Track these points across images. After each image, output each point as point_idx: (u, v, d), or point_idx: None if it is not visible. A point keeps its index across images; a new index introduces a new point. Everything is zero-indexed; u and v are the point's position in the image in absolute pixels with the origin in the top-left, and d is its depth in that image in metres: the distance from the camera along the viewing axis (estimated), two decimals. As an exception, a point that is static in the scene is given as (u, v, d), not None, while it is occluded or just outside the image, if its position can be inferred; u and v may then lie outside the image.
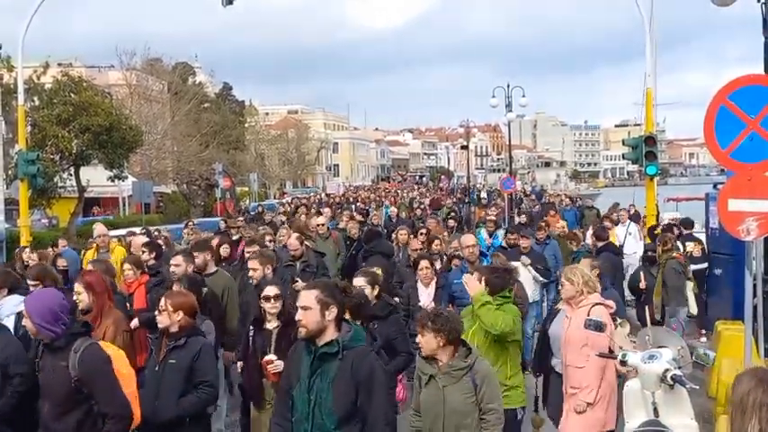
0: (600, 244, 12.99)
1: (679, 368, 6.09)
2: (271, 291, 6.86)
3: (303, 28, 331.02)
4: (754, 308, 7.56)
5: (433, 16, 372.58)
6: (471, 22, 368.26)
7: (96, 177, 30.36)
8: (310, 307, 4.63)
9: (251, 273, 8.60)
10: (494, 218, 17.91)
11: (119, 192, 36.21)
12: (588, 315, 6.38)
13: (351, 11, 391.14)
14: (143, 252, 9.46)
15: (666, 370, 5.99)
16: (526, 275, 11.37)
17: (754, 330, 7.70)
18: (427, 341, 5.25)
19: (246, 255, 10.57)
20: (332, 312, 4.64)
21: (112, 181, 30.23)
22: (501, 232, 15.62)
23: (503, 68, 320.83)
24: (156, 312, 6.03)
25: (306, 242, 11.07)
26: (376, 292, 7.11)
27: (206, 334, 6.43)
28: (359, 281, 7.15)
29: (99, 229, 13.49)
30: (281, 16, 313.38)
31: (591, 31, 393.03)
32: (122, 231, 19.46)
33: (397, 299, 8.84)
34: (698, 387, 6.93)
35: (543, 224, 14.86)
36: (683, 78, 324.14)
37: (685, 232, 14.82)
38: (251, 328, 6.95)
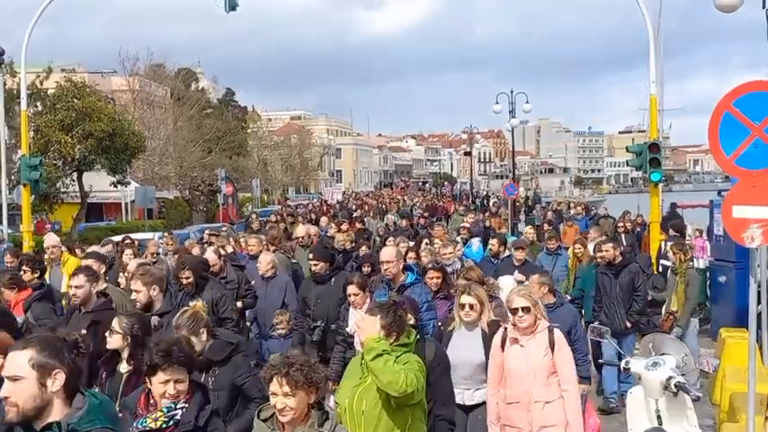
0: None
1: (683, 375, 6.05)
2: (116, 324, 5.51)
3: (307, 34, 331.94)
4: (759, 315, 7.51)
5: (437, 23, 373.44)
6: (475, 28, 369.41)
7: (99, 183, 30.40)
8: (22, 377, 3.20)
9: (134, 295, 7.03)
10: (467, 225, 17.08)
11: (121, 197, 36.24)
12: (550, 340, 5.93)
13: (355, 18, 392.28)
14: (24, 272, 8.64)
15: (670, 377, 5.95)
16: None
17: (758, 338, 7.65)
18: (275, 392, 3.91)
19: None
20: (57, 380, 3.23)
21: (115, 186, 30.30)
22: (476, 241, 15.28)
23: (506, 74, 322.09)
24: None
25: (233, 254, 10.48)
26: (204, 335, 5.59)
27: None
28: (181, 320, 5.63)
29: (49, 239, 11.87)
30: (284, 23, 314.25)
31: (595, 38, 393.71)
32: (141, 236, 19.35)
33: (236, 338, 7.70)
34: (701, 395, 6.88)
35: (556, 234, 14.20)
36: (688, 85, 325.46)
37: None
38: (102, 370, 5.60)
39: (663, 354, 6.31)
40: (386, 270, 7.88)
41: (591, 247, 13.27)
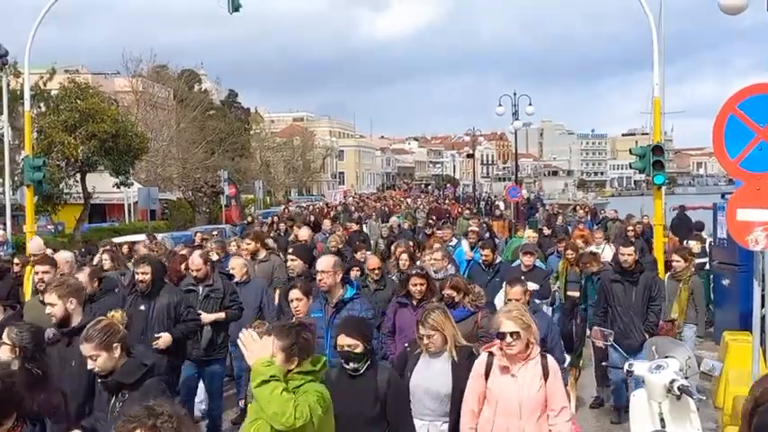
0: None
1: (686, 379, 6.03)
2: (6, 334, 5.08)
3: (310, 36, 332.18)
4: (762, 318, 7.50)
5: (440, 27, 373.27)
6: (479, 31, 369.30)
7: (102, 184, 30.43)
8: None
9: (48, 309, 6.29)
10: (476, 229, 16.22)
11: (124, 198, 36.26)
12: (544, 367, 5.25)
13: (358, 21, 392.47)
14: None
15: (673, 380, 5.94)
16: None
17: (761, 341, 7.63)
18: None
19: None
20: None
21: (118, 188, 30.32)
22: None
23: (509, 77, 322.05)
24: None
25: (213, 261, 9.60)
26: (118, 350, 4.86)
27: None
28: (92, 332, 4.86)
29: (34, 244, 11.15)
30: (288, 25, 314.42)
31: (599, 41, 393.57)
32: (131, 237, 19.40)
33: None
34: (705, 398, 6.87)
35: (566, 237, 13.93)
36: (692, 88, 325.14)
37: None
38: None
39: (666, 357, 6.29)
40: (320, 281, 6.96)
41: (592, 249, 13.18)
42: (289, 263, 9.18)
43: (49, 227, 30.21)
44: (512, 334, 5.18)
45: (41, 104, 27.81)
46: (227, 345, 8.87)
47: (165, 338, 7.69)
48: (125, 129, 27.71)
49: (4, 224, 22.30)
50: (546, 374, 5.24)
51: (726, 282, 13.17)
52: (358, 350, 5.05)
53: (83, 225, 29.28)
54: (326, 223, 19.71)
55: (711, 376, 8.53)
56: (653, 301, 9.13)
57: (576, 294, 11.99)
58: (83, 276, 8.07)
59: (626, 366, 6.56)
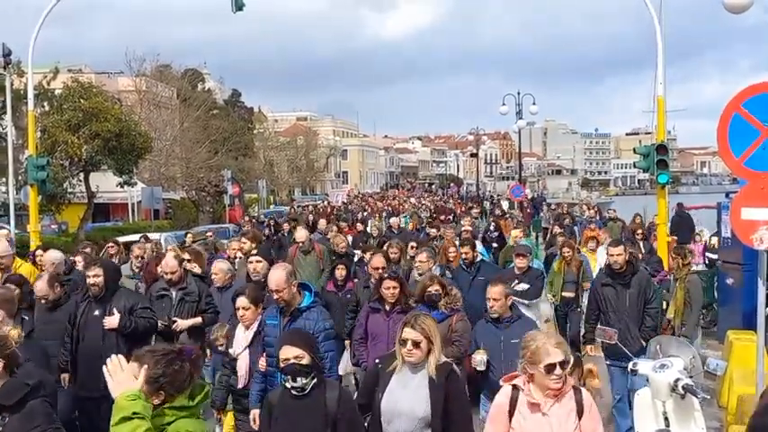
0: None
1: (690, 378, 6.01)
2: None
3: (313, 36, 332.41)
4: (767, 317, 7.46)
5: (442, 26, 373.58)
6: (482, 31, 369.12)
7: (106, 183, 30.46)
8: None
9: None
10: (469, 228, 15.82)
11: (128, 198, 36.30)
12: (578, 405, 4.46)
13: (361, 20, 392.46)
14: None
15: (677, 379, 5.92)
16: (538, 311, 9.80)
17: (766, 340, 7.60)
18: None
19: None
20: None
21: (122, 187, 30.33)
22: (477, 244, 13.87)
23: (513, 76, 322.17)
24: None
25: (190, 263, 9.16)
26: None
27: None
28: None
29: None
30: (291, 24, 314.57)
31: (602, 40, 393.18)
32: (134, 237, 19.34)
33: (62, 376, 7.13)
34: (709, 397, 6.85)
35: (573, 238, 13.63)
36: (695, 88, 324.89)
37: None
38: None
39: (670, 356, 6.28)
40: (277, 299, 6.31)
41: (601, 250, 12.95)
42: (253, 264, 8.81)
43: (52, 226, 30.28)
44: (561, 364, 4.35)
45: (45, 104, 27.81)
46: (204, 350, 8.44)
47: (110, 321, 7.28)
48: (128, 128, 27.69)
49: (8, 223, 22.34)
50: (581, 411, 4.44)
51: (730, 281, 13.14)
52: (304, 361, 4.50)
53: (86, 224, 29.29)
54: (322, 223, 19.54)
55: (715, 375, 8.52)
56: (649, 304, 8.38)
57: (572, 295, 11.86)
58: (41, 283, 7.81)
59: (630, 365, 6.55)
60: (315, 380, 4.53)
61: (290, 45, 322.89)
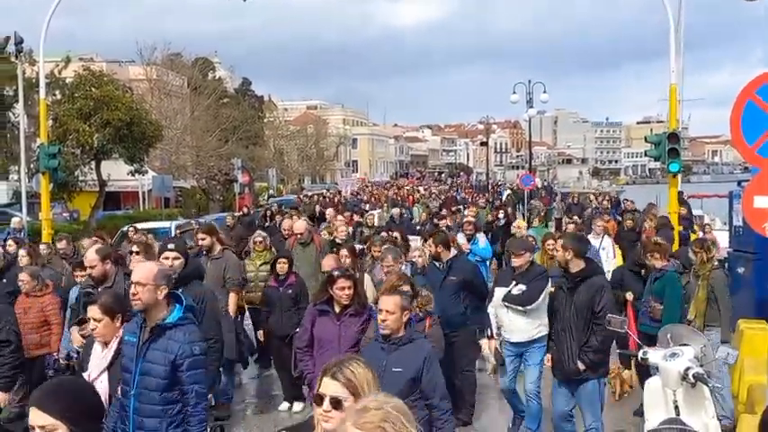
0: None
1: (701, 366, 6.00)
2: None
3: (324, 25, 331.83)
4: (779, 306, 7.43)
5: (455, 14, 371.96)
6: (494, 19, 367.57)
7: (117, 171, 30.57)
8: None
9: None
10: (472, 219, 15.20)
11: (139, 186, 36.41)
12: None
13: (374, 9, 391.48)
14: None
15: (688, 368, 5.90)
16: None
17: (778, 329, 7.57)
18: None
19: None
20: None
21: (133, 175, 30.45)
22: (481, 237, 13.84)
23: (524, 65, 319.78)
24: None
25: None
26: None
27: None
28: None
29: None
30: (302, 13, 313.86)
31: (614, 28, 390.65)
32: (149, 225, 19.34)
33: None
34: (720, 386, 6.83)
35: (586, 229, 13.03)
36: (708, 78, 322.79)
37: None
38: None
39: (682, 344, 6.26)
40: (134, 296, 4.87)
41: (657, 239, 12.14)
42: (172, 262, 7.10)
43: (64, 214, 30.43)
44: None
45: (56, 92, 27.94)
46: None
47: None
48: (139, 117, 27.79)
49: (21, 211, 22.47)
50: None
51: (741, 270, 13.09)
52: None
53: (98, 212, 29.44)
54: (330, 212, 19.41)
55: (727, 364, 8.46)
56: (596, 317, 6.76)
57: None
58: None
59: (640, 354, 6.53)
60: None
61: (300, 34, 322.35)
